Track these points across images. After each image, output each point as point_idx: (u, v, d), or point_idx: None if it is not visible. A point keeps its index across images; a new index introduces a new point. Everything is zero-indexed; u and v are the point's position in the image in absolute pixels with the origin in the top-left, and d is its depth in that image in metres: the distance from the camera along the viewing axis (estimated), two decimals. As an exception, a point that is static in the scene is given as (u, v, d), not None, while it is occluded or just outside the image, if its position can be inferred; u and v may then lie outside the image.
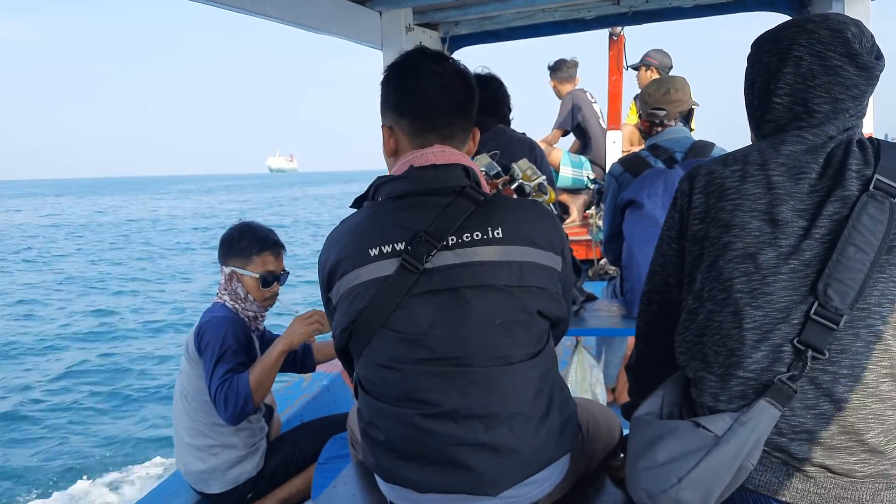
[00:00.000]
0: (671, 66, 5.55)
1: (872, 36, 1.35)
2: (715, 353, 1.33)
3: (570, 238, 5.54)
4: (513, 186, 2.60)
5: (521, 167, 2.60)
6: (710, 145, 3.00)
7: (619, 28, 5.48)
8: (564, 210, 6.14)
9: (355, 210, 1.60)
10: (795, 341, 1.25)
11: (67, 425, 7.40)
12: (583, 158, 6.05)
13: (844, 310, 1.24)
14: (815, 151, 1.33)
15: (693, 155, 2.96)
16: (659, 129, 3.08)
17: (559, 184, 5.99)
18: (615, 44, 5.46)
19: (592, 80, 6.28)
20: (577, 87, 6.07)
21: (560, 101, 6.06)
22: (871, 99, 1.39)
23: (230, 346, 2.46)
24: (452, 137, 1.59)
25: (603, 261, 5.27)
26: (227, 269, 2.62)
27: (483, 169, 2.60)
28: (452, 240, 1.45)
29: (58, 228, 34.50)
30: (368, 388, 1.52)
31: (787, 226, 1.29)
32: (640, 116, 3.20)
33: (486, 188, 1.61)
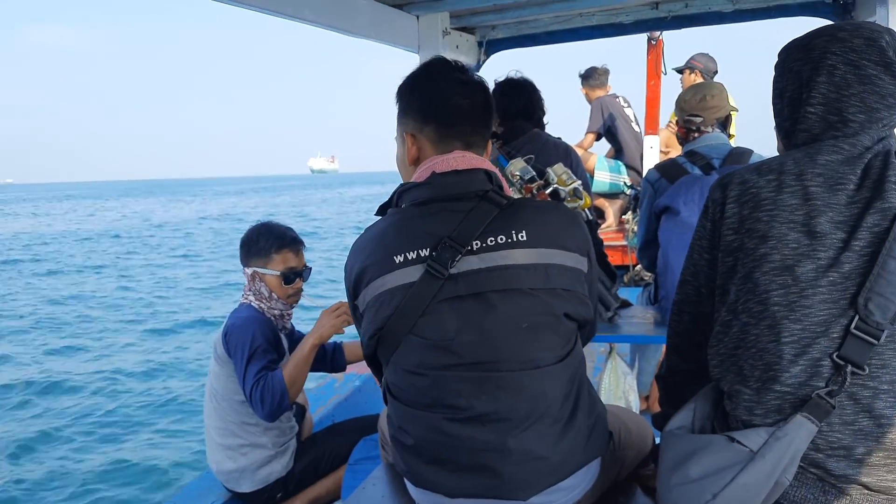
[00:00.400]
0: (716, 71, 5.47)
1: None
2: (751, 367, 1.31)
3: (606, 244, 5.52)
4: (547, 191, 2.60)
5: (557, 172, 2.60)
6: (749, 152, 2.96)
7: (658, 32, 5.43)
8: (600, 215, 6.10)
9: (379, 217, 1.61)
10: (835, 356, 1.23)
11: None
12: (619, 163, 6.01)
13: (885, 324, 1.21)
14: (851, 162, 1.31)
15: (731, 161, 2.92)
16: (696, 135, 3.05)
17: (595, 188, 5.96)
18: (654, 48, 5.41)
19: (630, 84, 6.24)
20: (608, 93, 6.04)
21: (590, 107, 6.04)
22: None
23: (260, 345, 2.49)
24: (475, 145, 1.61)
25: (638, 266, 5.22)
26: (249, 270, 2.66)
27: (518, 173, 2.60)
28: (477, 244, 1.45)
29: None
30: (397, 394, 1.53)
31: (825, 238, 1.27)
32: (676, 122, 3.17)
33: (508, 191, 1.61)
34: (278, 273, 2.64)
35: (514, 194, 2.58)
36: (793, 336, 1.26)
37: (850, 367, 1.22)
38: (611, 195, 6.00)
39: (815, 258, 1.27)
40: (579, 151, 5.95)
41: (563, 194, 2.59)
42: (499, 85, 3.23)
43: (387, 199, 1.62)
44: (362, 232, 1.60)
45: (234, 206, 53.60)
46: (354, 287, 1.56)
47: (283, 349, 2.67)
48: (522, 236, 1.46)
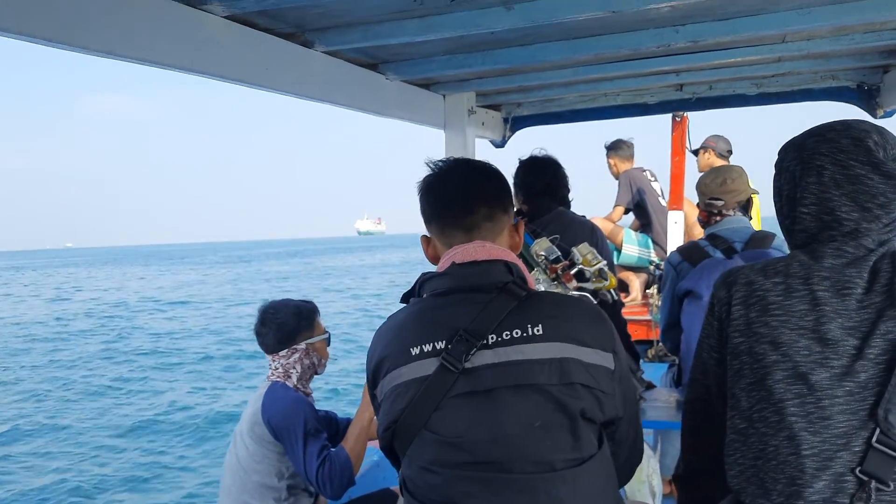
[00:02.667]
0: (730, 151, 5.54)
1: None
2: (773, 480, 1.27)
3: (629, 318, 5.47)
4: (572, 271, 2.57)
5: (582, 252, 2.57)
6: (772, 236, 2.94)
7: None
8: (624, 288, 6.06)
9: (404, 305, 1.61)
10: (858, 471, 1.20)
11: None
12: (647, 237, 5.99)
13: None
14: (857, 265, 1.30)
15: (753, 245, 2.91)
16: (717, 218, 3.05)
17: (622, 261, 5.93)
18: (678, 124, 5.46)
19: (654, 159, 6.29)
20: (634, 167, 6.08)
21: (618, 180, 6.06)
22: None
23: (312, 425, 2.51)
24: (478, 228, 1.57)
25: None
26: (301, 346, 2.69)
27: (543, 253, 2.58)
28: (493, 338, 1.42)
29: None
30: (412, 490, 1.49)
31: (837, 345, 1.25)
32: (698, 206, 3.18)
33: (532, 283, 1.60)
34: (326, 335, 2.76)
35: (538, 275, 2.58)
36: (813, 449, 1.23)
37: (874, 483, 1.18)
38: (637, 268, 5.97)
39: (828, 366, 1.24)
40: (607, 224, 5.98)
41: (588, 274, 2.57)
42: (522, 163, 3.26)
43: (410, 287, 1.62)
44: (385, 320, 1.60)
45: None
46: (373, 377, 1.55)
47: (332, 425, 2.70)
48: (538, 330, 1.43)
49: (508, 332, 1.43)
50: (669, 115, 5.41)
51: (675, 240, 5.44)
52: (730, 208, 3.03)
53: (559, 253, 2.60)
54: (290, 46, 2.48)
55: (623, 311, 5.62)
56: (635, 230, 6.13)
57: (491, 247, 1.55)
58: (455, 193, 1.59)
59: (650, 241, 5.91)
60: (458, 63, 2.83)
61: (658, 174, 6.13)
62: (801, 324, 1.28)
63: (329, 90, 2.67)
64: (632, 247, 5.85)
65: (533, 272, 2.55)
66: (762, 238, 2.92)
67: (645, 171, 6.17)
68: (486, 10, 2.19)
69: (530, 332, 1.43)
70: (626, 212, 6.08)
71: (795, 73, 3.43)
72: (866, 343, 1.23)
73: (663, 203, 5.99)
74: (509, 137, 4.19)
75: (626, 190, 6.03)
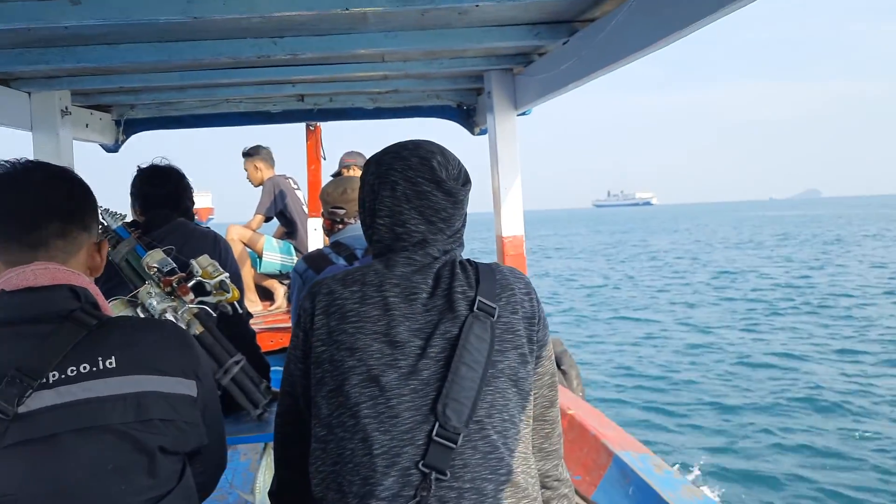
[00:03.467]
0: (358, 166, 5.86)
1: (459, 163, 1.50)
2: (349, 483, 1.30)
3: (275, 325, 5.44)
4: (190, 284, 2.45)
5: (202, 264, 2.47)
6: None
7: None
8: (269, 296, 6.02)
9: None
10: (421, 464, 1.27)
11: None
12: (290, 244, 6.01)
13: (461, 427, 1.29)
14: (423, 271, 1.41)
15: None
16: (340, 226, 3.14)
17: (264, 269, 5.88)
18: (312, 133, 5.58)
19: (293, 167, 6.35)
20: (278, 174, 6.06)
21: (262, 187, 5.99)
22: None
23: None
24: (45, 246, 1.37)
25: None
26: None
27: (156, 265, 2.42)
28: (54, 376, 1.24)
29: None
30: None
31: (405, 346, 1.33)
32: (322, 214, 3.24)
33: (107, 309, 1.43)
34: None
35: (151, 288, 2.39)
36: (383, 447, 1.28)
37: (434, 474, 1.26)
38: (280, 276, 5.95)
39: (397, 367, 1.32)
40: (246, 233, 5.86)
41: (208, 287, 2.48)
42: (141, 172, 3.02)
43: None
44: None
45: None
46: None
47: None
48: (111, 363, 1.28)
49: (74, 368, 1.26)
50: (304, 125, 5.49)
51: (316, 246, 5.54)
52: (351, 216, 3.14)
53: (174, 265, 2.46)
54: None
55: (268, 319, 5.63)
56: (279, 237, 6.12)
57: (55, 269, 1.34)
58: (18, 203, 1.35)
59: (293, 249, 5.94)
60: (36, 58, 2.47)
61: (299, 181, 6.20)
62: (374, 329, 1.35)
63: None
64: (273, 254, 5.82)
65: (145, 286, 2.38)
66: None
67: (288, 178, 6.19)
68: (49, 1, 1.94)
69: (101, 366, 1.27)
70: (268, 219, 6.03)
71: (404, 90, 3.69)
72: (429, 343, 1.34)
73: (307, 211, 6.06)
74: (123, 141, 3.83)
75: (269, 197, 5.98)
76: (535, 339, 1.46)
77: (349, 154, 5.78)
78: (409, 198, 1.43)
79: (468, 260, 1.50)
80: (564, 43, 2.79)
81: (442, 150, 1.48)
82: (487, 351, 1.35)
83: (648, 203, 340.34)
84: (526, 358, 1.42)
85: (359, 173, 5.54)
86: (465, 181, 1.49)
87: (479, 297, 1.39)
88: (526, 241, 3.48)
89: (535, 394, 1.46)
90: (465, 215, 1.52)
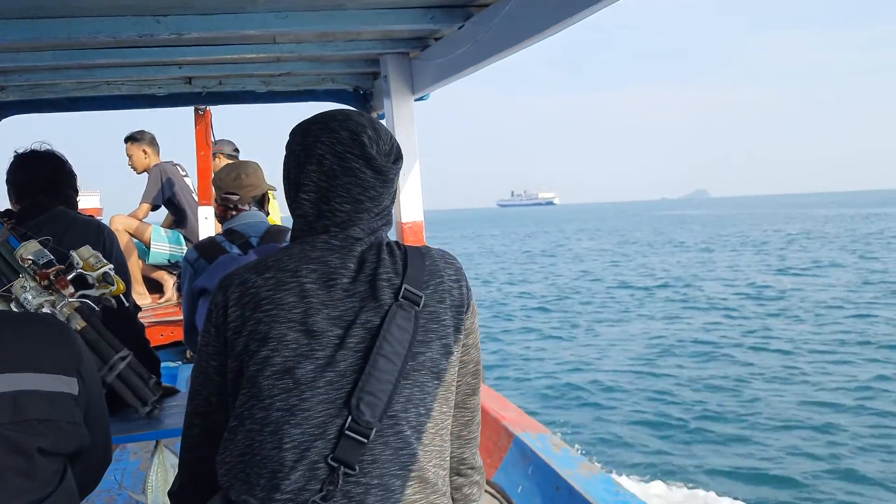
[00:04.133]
0: (237, 150, 5.76)
1: (392, 138, 1.41)
2: (257, 475, 1.26)
3: (165, 319, 5.23)
4: (69, 276, 2.32)
5: (83, 255, 2.36)
6: (286, 230, 3.04)
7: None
8: (159, 289, 5.77)
9: None
10: (329, 458, 1.23)
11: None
12: (178, 234, 5.77)
13: (375, 423, 1.25)
14: (344, 255, 1.33)
15: (269, 239, 2.96)
16: (234, 213, 3.04)
17: (153, 260, 5.64)
18: (202, 118, 5.35)
19: (181, 153, 6.12)
20: (165, 160, 5.80)
21: (147, 174, 5.71)
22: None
23: None
24: None
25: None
26: None
27: (31, 257, 2.29)
28: None
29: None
30: None
31: (322, 336, 1.27)
32: (215, 200, 3.13)
33: None
34: None
35: (26, 282, 2.24)
36: (293, 441, 1.24)
37: (342, 469, 1.23)
38: (170, 267, 5.71)
39: (313, 358, 1.26)
40: (132, 222, 5.58)
41: (90, 280, 2.36)
42: (17, 157, 2.82)
43: None
44: None
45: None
46: None
47: None
48: None
49: None
50: (192, 109, 5.27)
51: (207, 235, 5.35)
52: (245, 203, 3.03)
53: (52, 257, 2.33)
54: None
55: (157, 312, 5.40)
56: (167, 227, 5.87)
57: None
58: None
59: (182, 238, 5.71)
60: None
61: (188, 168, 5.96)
62: (289, 317, 1.27)
63: None
64: (162, 244, 5.58)
65: (19, 279, 2.24)
66: (277, 232, 2.99)
67: (177, 164, 5.94)
68: None
69: None
70: (155, 208, 5.77)
71: (298, 73, 3.61)
72: (348, 332, 1.27)
73: (196, 199, 5.84)
74: (-8, 125, 3.55)
75: (156, 185, 5.72)
76: (462, 328, 1.40)
77: (218, 141, 5.66)
78: (336, 174, 1.33)
79: (397, 243, 1.42)
80: (460, 27, 2.80)
81: (373, 124, 1.39)
82: (409, 342, 1.30)
83: (551, 203, 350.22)
84: (450, 348, 1.37)
85: (224, 160, 5.47)
86: (397, 157, 1.40)
87: (405, 285, 1.33)
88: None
89: (458, 382, 1.42)
90: (395, 192, 1.43)
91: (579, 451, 3.14)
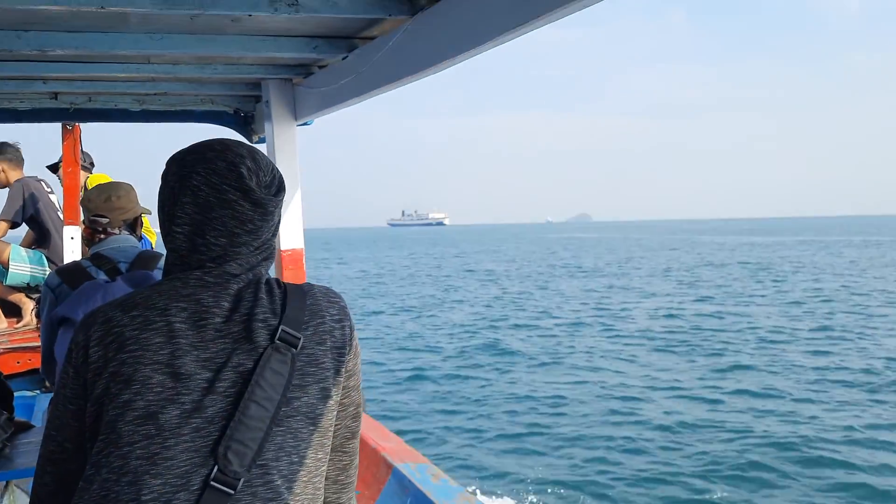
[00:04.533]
0: (93, 163, 5.57)
1: (273, 169, 1.35)
2: None
3: (22, 345, 4.87)
4: None
5: None
6: (158, 256, 2.92)
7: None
8: (17, 312, 5.37)
9: None
10: None
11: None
12: (40, 254, 5.41)
13: (242, 472, 1.19)
14: (217, 293, 1.27)
15: (139, 266, 2.83)
16: (102, 236, 2.89)
17: (11, 281, 5.26)
18: (70, 134, 5.04)
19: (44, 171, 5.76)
20: (28, 175, 5.44)
21: (6, 190, 5.33)
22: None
23: None
24: None
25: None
26: None
27: None
28: None
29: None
30: None
31: (190, 379, 1.20)
32: (83, 223, 2.96)
33: None
34: None
35: None
36: (153, 493, 1.16)
37: None
38: (30, 289, 5.33)
39: (179, 403, 1.18)
40: (-13, 241, 5.17)
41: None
42: None
43: None
44: None
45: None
46: None
47: None
48: None
49: None
50: (60, 124, 4.97)
51: (73, 256, 5.04)
52: (115, 226, 2.89)
53: None
54: None
55: (14, 338, 5.02)
56: (28, 246, 5.49)
57: None
58: None
59: (45, 259, 5.35)
60: None
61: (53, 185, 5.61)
62: (155, 358, 1.20)
63: None
64: (22, 265, 5.21)
65: None
66: (149, 258, 2.87)
67: (41, 180, 5.59)
68: None
69: None
70: (15, 226, 5.39)
71: (174, 94, 3.49)
72: (218, 376, 1.20)
73: (62, 218, 5.50)
74: None
75: (17, 201, 5.35)
76: (342, 370, 1.35)
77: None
78: (211, 206, 1.27)
79: (277, 280, 1.36)
80: (344, 58, 2.81)
81: (253, 154, 1.32)
82: (284, 387, 1.24)
83: (441, 223, 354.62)
84: (329, 392, 1.31)
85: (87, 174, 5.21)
86: (279, 189, 1.34)
87: (282, 326, 1.26)
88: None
89: (337, 425, 1.37)
90: (277, 224, 1.36)
91: (457, 482, 3.16)
